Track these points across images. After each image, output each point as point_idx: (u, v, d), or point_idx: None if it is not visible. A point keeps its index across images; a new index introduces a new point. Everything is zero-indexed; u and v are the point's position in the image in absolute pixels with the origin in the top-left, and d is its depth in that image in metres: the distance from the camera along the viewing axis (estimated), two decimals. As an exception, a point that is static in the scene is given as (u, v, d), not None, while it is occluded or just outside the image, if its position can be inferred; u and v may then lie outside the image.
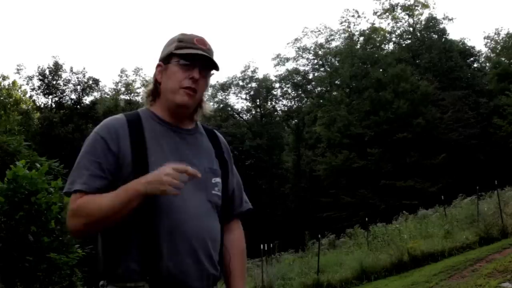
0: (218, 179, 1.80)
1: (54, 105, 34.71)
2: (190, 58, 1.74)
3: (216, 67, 1.79)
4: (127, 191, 1.57)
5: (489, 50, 43.03)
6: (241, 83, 44.87)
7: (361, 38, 40.32)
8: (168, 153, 1.71)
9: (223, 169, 1.84)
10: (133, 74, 46.36)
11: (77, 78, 35.05)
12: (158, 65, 1.80)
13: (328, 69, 41.81)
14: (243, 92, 45.10)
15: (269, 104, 46.05)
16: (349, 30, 41.10)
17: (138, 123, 1.74)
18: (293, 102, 46.26)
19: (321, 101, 39.39)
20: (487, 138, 31.87)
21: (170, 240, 1.62)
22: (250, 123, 44.99)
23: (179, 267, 1.62)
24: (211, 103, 44.04)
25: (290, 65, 43.86)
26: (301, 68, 43.70)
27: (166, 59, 1.77)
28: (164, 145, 1.72)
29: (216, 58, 1.80)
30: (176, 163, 1.58)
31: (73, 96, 35.07)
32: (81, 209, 1.61)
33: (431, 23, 39.69)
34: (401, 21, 41.61)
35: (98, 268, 1.72)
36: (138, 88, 41.44)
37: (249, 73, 44.74)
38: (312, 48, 42.89)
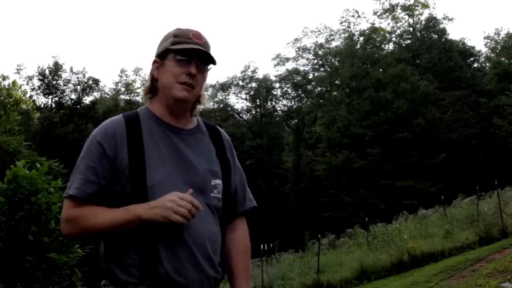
0: (218, 181, 1.77)
1: (54, 105, 34.67)
2: (186, 53, 1.71)
3: (213, 61, 1.76)
4: (127, 214, 1.59)
5: (489, 50, 43.10)
6: (241, 83, 44.92)
7: (361, 38, 40.33)
8: (166, 155, 1.69)
9: (224, 169, 1.82)
10: (133, 74, 46.38)
11: (77, 78, 35.04)
12: (155, 61, 1.78)
13: (328, 69, 41.82)
14: (243, 92, 45.18)
15: (269, 104, 46.07)
16: (349, 30, 41.16)
17: (136, 124, 1.72)
18: (293, 102, 46.34)
19: (321, 101, 39.39)
20: (487, 138, 31.87)
21: (169, 245, 1.61)
22: (250, 123, 44.99)
23: (178, 271, 1.61)
24: (211, 103, 44.48)
25: (290, 65, 44.01)
26: (301, 68, 43.82)
27: (162, 55, 1.75)
28: (162, 147, 1.70)
29: (213, 52, 1.77)
30: (181, 193, 1.58)
31: (73, 96, 35.05)
32: (76, 220, 1.64)
33: (431, 23, 39.70)
34: (401, 21, 41.70)
35: (100, 268, 1.72)
36: (138, 88, 41.43)
37: (249, 73, 44.84)
38: (312, 48, 42.98)
